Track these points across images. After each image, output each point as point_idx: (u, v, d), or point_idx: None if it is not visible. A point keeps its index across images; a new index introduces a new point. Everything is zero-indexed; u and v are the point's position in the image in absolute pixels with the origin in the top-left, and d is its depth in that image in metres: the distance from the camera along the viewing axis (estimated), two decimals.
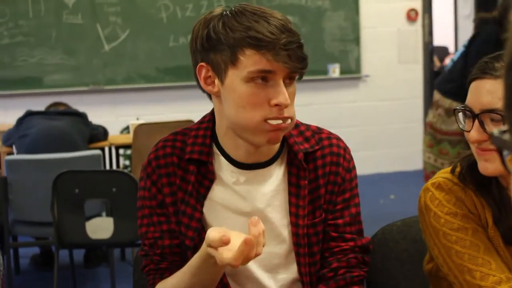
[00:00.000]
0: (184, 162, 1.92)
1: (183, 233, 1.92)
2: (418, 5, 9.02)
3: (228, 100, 1.82)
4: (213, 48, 1.80)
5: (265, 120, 1.78)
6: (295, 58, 1.76)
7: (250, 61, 1.75)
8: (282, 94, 1.76)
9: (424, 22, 9.10)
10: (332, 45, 8.67)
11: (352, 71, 8.81)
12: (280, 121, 1.79)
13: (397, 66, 9.00)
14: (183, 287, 1.86)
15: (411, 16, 9.00)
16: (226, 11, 1.81)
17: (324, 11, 8.58)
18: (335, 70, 8.70)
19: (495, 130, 0.67)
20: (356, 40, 8.75)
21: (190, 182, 1.90)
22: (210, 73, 1.83)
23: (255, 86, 1.77)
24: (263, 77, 1.77)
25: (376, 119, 8.98)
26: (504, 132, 0.63)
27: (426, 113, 9.18)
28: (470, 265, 1.84)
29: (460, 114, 1.87)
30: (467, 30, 11.62)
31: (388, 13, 8.91)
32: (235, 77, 1.78)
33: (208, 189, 1.92)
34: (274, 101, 1.76)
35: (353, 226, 1.99)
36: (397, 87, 8.99)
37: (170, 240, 1.93)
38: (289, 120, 1.81)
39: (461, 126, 1.87)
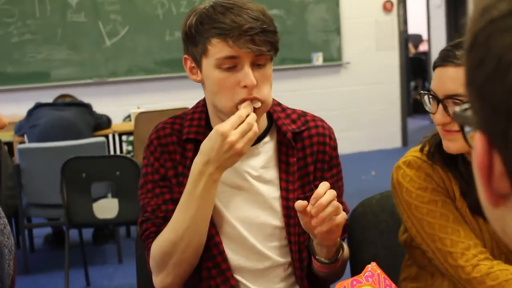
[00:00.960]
0: (182, 141, 1.93)
1: None
2: None
3: (207, 87, 1.86)
4: (190, 41, 1.83)
5: (237, 104, 1.79)
6: (260, 42, 1.76)
7: (216, 49, 1.77)
8: (247, 76, 1.77)
9: (399, 12, 9.09)
10: (315, 35, 8.65)
11: (334, 59, 8.81)
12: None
13: (375, 53, 9.00)
14: (178, 226, 1.83)
15: (387, 7, 8.99)
16: (204, 7, 1.82)
17: (307, 4, 8.56)
18: (318, 58, 8.69)
19: (457, 108, 0.68)
20: (337, 31, 8.74)
21: (189, 158, 1.91)
22: (193, 64, 1.87)
23: (224, 72, 1.79)
24: (231, 63, 1.78)
25: (357, 102, 8.99)
26: (465, 110, 0.63)
27: (402, 96, 9.20)
28: (441, 234, 1.85)
29: (426, 98, 1.88)
30: (439, 19, 11.63)
31: (366, 4, 8.91)
32: (207, 66, 1.81)
33: None
34: (242, 83, 1.77)
35: (340, 197, 2.02)
36: (376, 73, 9.00)
37: (173, 206, 1.90)
38: (259, 103, 1.81)
39: (427, 108, 1.88)
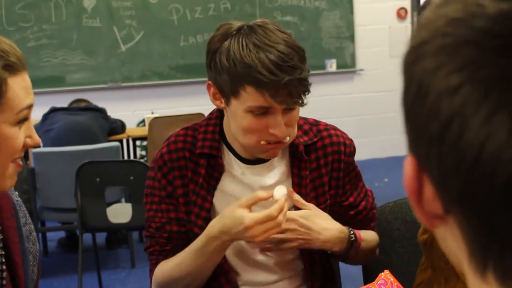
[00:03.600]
0: (195, 156, 1.90)
1: (192, 221, 1.90)
2: (407, 4, 8.99)
3: (232, 121, 1.81)
4: (218, 74, 1.74)
5: (261, 141, 1.78)
6: (296, 94, 1.70)
7: (251, 97, 1.70)
8: (279, 127, 1.73)
9: (413, 19, 9.06)
10: (329, 42, 8.65)
11: (347, 66, 8.80)
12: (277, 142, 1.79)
13: (389, 60, 8.98)
14: (184, 267, 1.86)
15: (401, 14, 8.97)
16: (234, 36, 1.73)
17: (321, 11, 8.56)
18: (332, 65, 8.68)
19: None
20: (351, 37, 8.73)
21: (201, 175, 1.89)
22: (218, 93, 1.80)
23: (255, 117, 1.74)
24: (264, 110, 1.72)
25: (370, 109, 8.97)
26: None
27: None
28: None
29: None
30: None
31: (380, 11, 8.89)
32: (237, 107, 1.75)
33: (217, 180, 1.91)
34: (271, 131, 1.74)
35: (361, 194, 2.06)
36: (389, 79, 8.97)
37: (178, 227, 1.92)
38: (287, 138, 1.80)
39: None
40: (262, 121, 1.74)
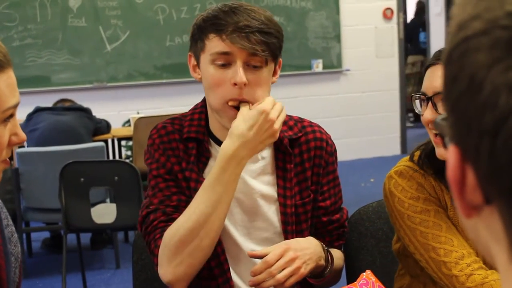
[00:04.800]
0: (184, 140, 1.93)
1: (191, 196, 1.86)
2: (393, 4, 9.01)
3: (203, 83, 1.86)
4: (193, 38, 1.86)
5: (227, 102, 1.80)
6: (254, 41, 1.76)
7: (212, 44, 1.79)
8: (238, 74, 1.77)
9: (399, 20, 9.09)
10: (315, 42, 8.66)
11: (334, 66, 8.80)
12: (237, 103, 1.81)
13: (375, 60, 9.00)
14: (200, 210, 1.78)
15: (387, 15, 8.99)
16: (213, 8, 1.83)
17: (308, 11, 8.56)
18: (318, 65, 8.69)
19: (438, 116, 0.69)
20: (337, 38, 8.74)
21: (192, 154, 1.91)
22: (195, 62, 1.89)
23: (218, 68, 1.80)
24: (224, 60, 1.78)
25: (356, 109, 8.99)
26: (444, 119, 0.65)
27: (402, 103, 9.20)
28: (434, 244, 1.84)
29: (417, 101, 1.87)
30: (438, 27, 11.63)
31: (366, 12, 8.90)
32: (204, 62, 1.83)
33: (205, 165, 1.93)
34: (232, 80, 1.78)
35: (337, 204, 2.05)
36: (375, 80, 9.00)
37: (186, 196, 1.88)
38: (254, 99, 1.81)
39: (417, 111, 1.87)
40: (224, 73, 1.79)
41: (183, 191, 1.90)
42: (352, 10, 8.78)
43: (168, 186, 1.90)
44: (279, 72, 1.92)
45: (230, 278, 1.93)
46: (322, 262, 1.88)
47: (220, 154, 1.77)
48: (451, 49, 0.61)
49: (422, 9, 11.93)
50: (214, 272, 1.92)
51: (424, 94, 1.83)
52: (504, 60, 0.55)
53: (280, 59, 1.92)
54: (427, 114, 1.80)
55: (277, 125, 1.76)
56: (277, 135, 1.78)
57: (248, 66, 1.79)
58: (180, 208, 1.85)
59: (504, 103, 0.55)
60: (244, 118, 1.76)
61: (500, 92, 0.55)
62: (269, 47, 1.79)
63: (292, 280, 1.78)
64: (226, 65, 1.79)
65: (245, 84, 1.78)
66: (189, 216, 1.79)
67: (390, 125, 9.18)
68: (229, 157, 1.76)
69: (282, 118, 1.78)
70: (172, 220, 1.83)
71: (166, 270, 1.82)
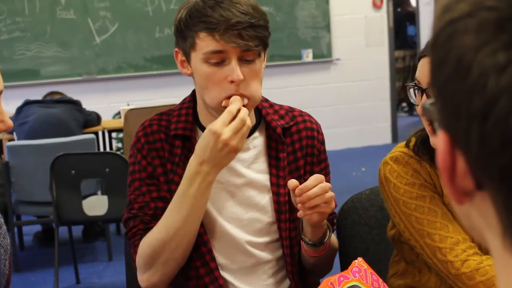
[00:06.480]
0: (171, 138, 1.91)
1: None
2: None
3: (196, 81, 1.85)
4: (180, 35, 1.83)
5: (225, 99, 1.79)
6: (247, 37, 1.74)
7: (204, 43, 1.77)
8: (234, 71, 1.76)
9: (388, 8, 9.08)
10: (305, 32, 8.65)
11: (323, 56, 8.80)
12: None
13: (365, 49, 9.00)
14: (170, 224, 1.81)
15: (376, 4, 8.98)
16: (195, 0, 1.81)
17: (297, 1, 8.55)
18: (308, 55, 8.68)
19: (427, 101, 0.68)
20: (327, 27, 8.73)
21: (177, 154, 1.90)
22: (183, 58, 1.87)
23: (212, 66, 1.78)
24: (219, 58, 1.77)
25: (347, 98, 8.99)
26: (433, 104, 0.63)
27: (392, 92, 9.20)
28: (429, 229, 1.84)
29: (412, 91, 1.87)
30: (428, 16, 11.63)
31: (356, 1, 8.90)
32: (196, 60, 1.81)
33: None
34: (228, 78, 1.77)
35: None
36: (365, 69, 8.99)
37: (162, 204, 1.89)
38: (246, 100, 1.79)
39: (412, 101, 1.87)
40: (219, 71, 1.77)
41: (163, 196, 1.90)
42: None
43: (149, 191, 1.91)
44: (266, 57, 1.91)
45: (218, 277, 1.92)
46: (325, 225, 1.88)
47: (187, 168, 1.79)
48: (437, 33, 0.60)
49: (407, 1, 11.88)
50: (200, 272, 1.91)
51: (418, 84, 1.82)
52: (492, 42, 0.54)
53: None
54: (421, 108, 1.79)
55: (234, 142, 1.71)
56: (239, 149, 1.74)
57: (242, 61, 1.79)
58: (157, 216, 1.87)
59: (492, 86, 0.54)
60: (203, 137, 1.75)
61: (488, 74, 0.54)
62: (262, 41, 1.79)
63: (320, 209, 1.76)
64: (220, 62, 1.78)
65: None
66: (161, 228, 1.83)
67: (381, 114, 9.19)
68: (193, 172, 1.77)
69: (242, 133, 1.73)
70: (149, 229, 1.87)
71: (141, 277, 1.90)
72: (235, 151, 1.74)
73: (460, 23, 0.57)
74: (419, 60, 1.85)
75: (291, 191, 1.77)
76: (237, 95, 1.78)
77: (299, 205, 1.75)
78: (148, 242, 1.84)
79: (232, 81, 1.77)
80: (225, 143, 1.71)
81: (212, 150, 1.73)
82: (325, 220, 1.88)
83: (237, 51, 1.76)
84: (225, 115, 1.73)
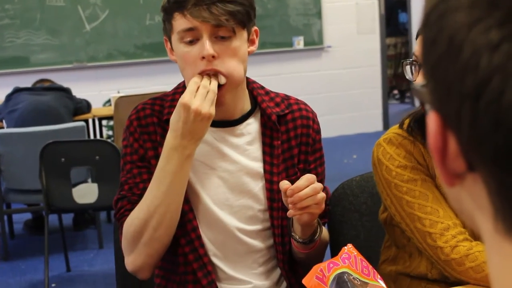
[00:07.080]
0: (163, 122, 1.90)
1: None
2: None
3: (178, 64, 1.86)
4: (163, 21, 1.85)
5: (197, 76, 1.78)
6: (217, 12, 1.73)
7: (177, 23, 1.78)
8: (205, 47, 1.75)
9: None
10: (296, 19, 8.62)
11: (315, 43, 8.78)
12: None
13: (356, 37, 8.99)
14: (151, 201, 1.79)
15: None
16: None
17: None
18: (299, 42, 8.66)
19: (417, 83, 0.67)
20: (318, 14, 8.71)
21: None
22: (170, 45, 1.88)
23: (187, 45, 1.79)
24: (191, 36, 1.77)
25: (338, 86, 8.98)
26: (424, 85, 0.62)
27: (383, 79, 9.20)
28: (420, 214, 1.83)
29: (408, 68, 1.85)
30: (420, 3, 11.61)
31: None
32: (174, 42, 1.82)
33: None
34: (200, 54, 1.76)
35: (322, 182, 2.01)
36: (357, 56, 8.99)
37: None
38: (223, 79, 1.78)
39: (408, 77, 1.85)
40: (193, 49, 1.77)
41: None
42: None
43: (140, 173, 1.90)
44: (257, 41, 1.90)
45: (207, 263, 1.91)
46: (315, 223, 1.88)
47: (164, 145, 1.79)
48: (429, 11, 0.59)
49: None
50: (189, 258, 1.90)
51: (415, 60, 1.80)
52: (485, 19, 0.53)
53: (256, 28, 1.89)
54: (419, 80, 1.78)
55: (205, 109, 1.72)
56: (213, 114, 1.74)
57: (216, 38, 1.77)
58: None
59: (485, 65, 0.53)
60: (175, 111, 1.76)
61: (481, 53, 0.53)
62: (234, 16, 1.76)
63: (310, 210, 1.76)
64: (194, 41, 1.78)
65: (213, 57, 1.76)
66: (141, 207, 1.81)
67: (372, 101, 9.19)
68: (170, 147, 1.76)
69: (210, 98, 1.73)
70: None
71: (127, 260, 1.88)
72: (208, 118, 1.73)
73: (452, 1, 0.56)
74: (417, 36, 1.85)
75: (282, 192, 1.76)
76: (209, 70, 1.77)
77: (290, 205, 1.74)
78: (130, 222, 1.83)
79: (203, 57, 1.76)
80: (196, 112, 1.71)
81: (185, 122, 1.72)
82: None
83: (208, 27, 1.75)
84: (192, 85, 1.74)
